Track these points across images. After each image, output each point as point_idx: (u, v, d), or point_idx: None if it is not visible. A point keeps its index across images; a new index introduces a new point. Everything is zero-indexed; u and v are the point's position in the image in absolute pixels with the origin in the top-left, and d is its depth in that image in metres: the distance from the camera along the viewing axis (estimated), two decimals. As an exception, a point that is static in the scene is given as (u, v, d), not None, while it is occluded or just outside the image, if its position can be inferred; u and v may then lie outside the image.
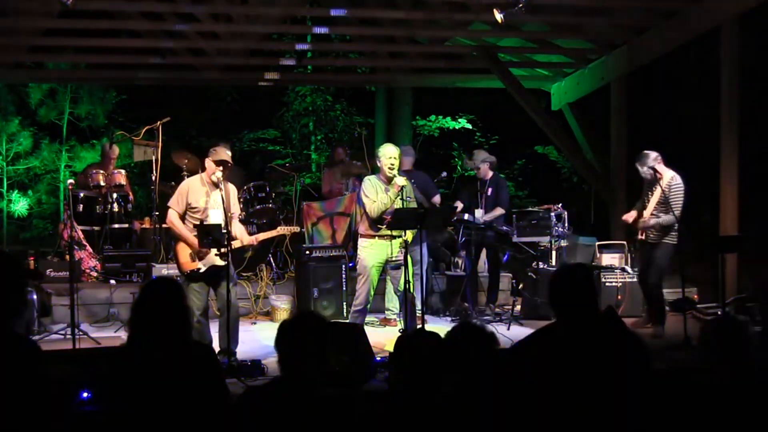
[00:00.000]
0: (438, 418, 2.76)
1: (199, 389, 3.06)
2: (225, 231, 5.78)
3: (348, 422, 2.70)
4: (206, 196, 6.01)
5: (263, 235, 6.52)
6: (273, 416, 2.70)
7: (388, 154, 6.56)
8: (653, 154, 6.91)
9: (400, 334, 6.43)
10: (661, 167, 6.89)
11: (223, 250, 5.72)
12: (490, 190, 8.15)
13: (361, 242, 6.68)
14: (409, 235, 6.39)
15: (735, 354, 3.17)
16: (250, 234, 6.47)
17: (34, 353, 2.85)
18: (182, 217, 6.04)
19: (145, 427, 2.99)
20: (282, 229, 6.65)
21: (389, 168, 6.50)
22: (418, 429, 2.76)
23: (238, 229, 6.16)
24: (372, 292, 6.58)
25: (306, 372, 2.75)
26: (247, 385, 5.24)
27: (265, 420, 2.70)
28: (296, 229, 7.06)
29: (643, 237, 7.05)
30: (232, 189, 6.26)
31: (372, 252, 6.51)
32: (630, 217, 7.20)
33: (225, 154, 6.03)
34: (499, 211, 8.11)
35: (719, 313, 7.09)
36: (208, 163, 6.03)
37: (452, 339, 3.05)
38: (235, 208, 6.22)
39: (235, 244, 5.97)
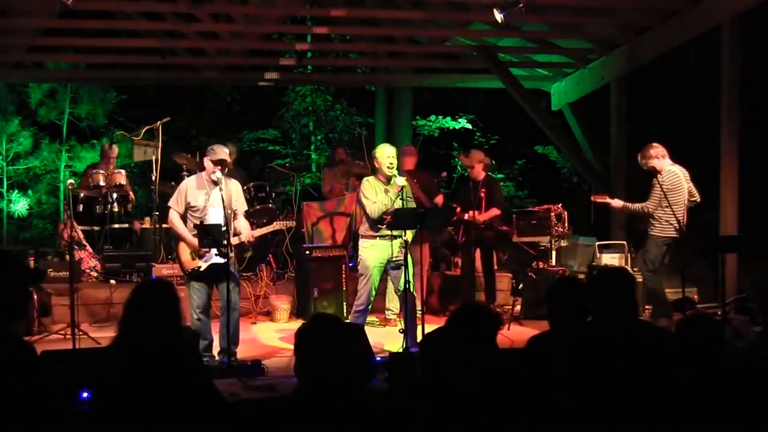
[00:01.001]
0: (466, 411, 2.78)
1: (184, 392, 3.03)
2: (225, 230, 5.78)
3: (351, 423, 2.68)
4: (206, 195, 6.01)
5: (259, 231, 6.53)
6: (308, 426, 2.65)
7: (386, 153, 6.56)
8: (652, 150, 6.96)
9: (400, 333, 6.44)
10: (659, 163, 6.93)
11: (222, 249, 5.73)
12: (483, 191, 8.16)
13: (362, 243, 6.68)
14: (409, 235, 6.39)
15: (706, 351, 3.20)
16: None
17: (31, 355, 2.84)
18: (183, 217, 6.04)
19: (128, 428, 2.97)
20: (278, 224, 6.65)
21: (388, 167, 6.50)
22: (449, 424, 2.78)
23: (242, 225, 6.16)
24: (374, 293, 6.59)
25: (327, 377, 2.71)
26: (247, 386, 5.26)
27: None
28: (292, 223, 7.08)
29: (642, 227, 7.30)
30: (236, 186, 6.25)
31: (373, 252, 6.52)
32: (600, 197, 7.49)
33: (223, 153, 6.03)
34: (495, 211, 8.12)
35: (719, 313, 7.11)
36: (207, 162, 6.03)
37: (458, 319, 3.09)
38: (239, 205, 6.20)
39: (233, 241, 5.97)
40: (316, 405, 2.65)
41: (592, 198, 7.74)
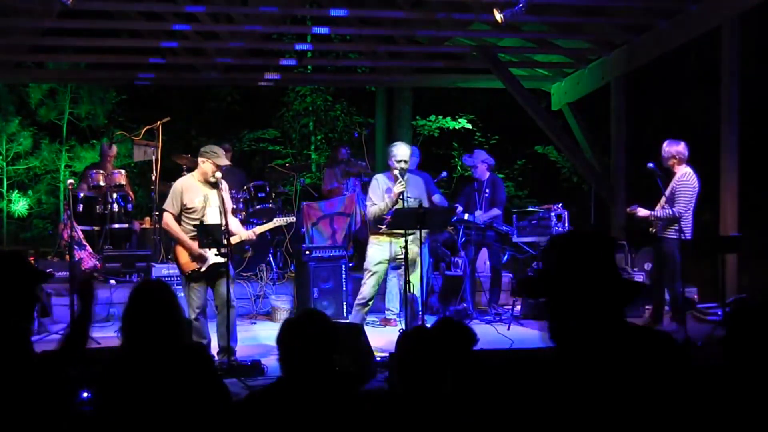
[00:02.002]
0: (439, 416, 2.76)
1: (195, 391, 3.03)
2: (224, 230, 5.78)
3: (350, 423, 2.69)
4: (203, 196, 5.99)
5: (260, 228, 6.54)
6: (277, 419, 2.67)
7: (400, 156, 6.57)
8: (673, 149, 6.86)
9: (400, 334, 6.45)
10: (679, 163, 6.88)
11: (222, 249, 5.72)
12: (487, 191, 8.17)
13: (371, 239, 6.79)
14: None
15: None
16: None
17: (34, 355, 2.84)
18: (178, 219, 6.02)
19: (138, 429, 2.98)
20: (278, 221, 6.67)
21: (399, 170, 6.55)
22: (421, 428, 2.76)
23: (234, 224, 6.16)
24: (377, 288, 6.66)
25: (309, 372, 2.72)
26: (247, 386, 5.25)
27: (270, 422, 2.68)
28: (292, 219, 7.09)
29: (652, 230, 7.01)
30: (225, 185, 6.26)
31: (380, 249, 6.59)
32: (632, 210, 7.19)
33: (224, 155, 6.05)
34: (495, 211, 8.12)
35: (719, 313, 7.10)
36: (208, 164, 5.99)
37: (433, 335, 3.10)
38: (228, 204, 6.21)
39: (234, 239, 5.97)
40: (306, 401, 2.65)
41: (628, 211, 7.34)
